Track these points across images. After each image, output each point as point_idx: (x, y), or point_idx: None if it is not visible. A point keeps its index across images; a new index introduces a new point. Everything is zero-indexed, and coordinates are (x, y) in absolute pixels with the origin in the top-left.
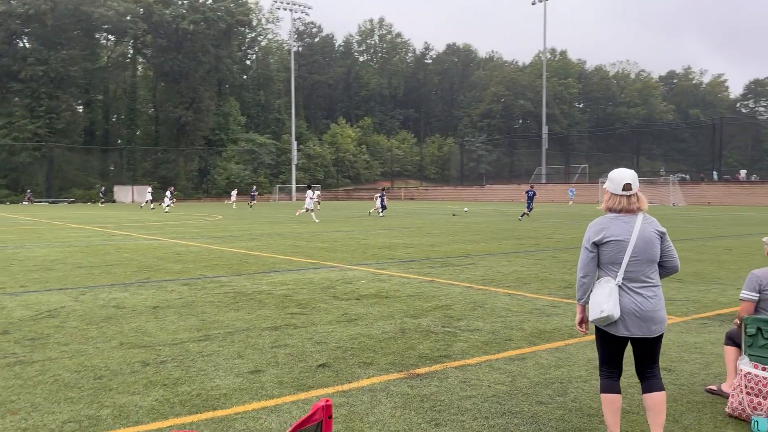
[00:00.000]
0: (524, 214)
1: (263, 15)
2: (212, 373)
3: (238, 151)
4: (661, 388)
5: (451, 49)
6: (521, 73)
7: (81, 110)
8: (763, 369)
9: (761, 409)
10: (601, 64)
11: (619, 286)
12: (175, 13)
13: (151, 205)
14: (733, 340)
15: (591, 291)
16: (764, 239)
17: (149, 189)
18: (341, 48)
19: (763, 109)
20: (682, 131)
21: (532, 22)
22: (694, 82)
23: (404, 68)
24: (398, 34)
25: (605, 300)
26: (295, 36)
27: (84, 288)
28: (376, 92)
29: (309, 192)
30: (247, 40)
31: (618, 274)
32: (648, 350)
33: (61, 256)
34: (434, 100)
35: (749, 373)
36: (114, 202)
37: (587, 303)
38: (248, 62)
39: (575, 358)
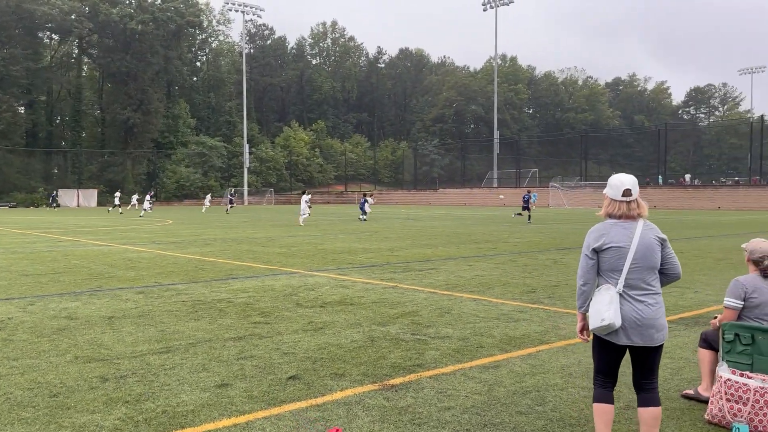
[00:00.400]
0: (518, 214)
1: (214, 16)
2: (177, 388)
3: (188, 154)
4: (657, 404)
5: (404, 53)
6: (473, 79)
7: (23, 111)
8: (742, 375)
9: (742, 416)
10: (550, 70)
11: (620, 294)
12: (122, 12)
13: (120, 210)
14: (708, 342)
15: (591, 299)
16: (743, 245)
17: (117, 193)
18: (294, 51)
19: (703, 115)
20: (627, 137)
21: (484, 29)
22: (638, 88)
23: (357, 72)
24: (351, 38)
25: (606, 308)
26: (247, 38)
27: (32, 297)
28: (329, 96)
29: (304, 197)
30: (197, 41)
31: (618, 281)
32: (648, 360)
33: (4, 264)
34: (387, 105)
35: (729, 379)
36: (59, 206)
37: (587, 311)
38: (198, 64)
39: (549, 366)
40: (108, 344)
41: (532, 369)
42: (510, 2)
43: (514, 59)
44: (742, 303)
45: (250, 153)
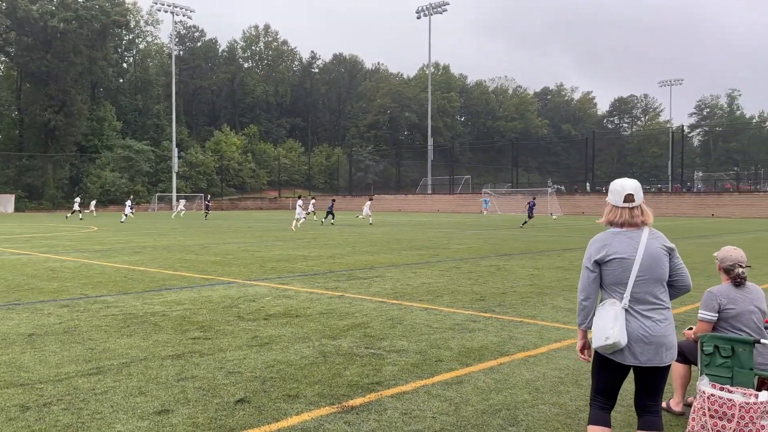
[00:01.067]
0: (525, 222)
1: (141, 16)
2: (110, 416)
3: (114, 158)
4: (659, 428)
5: (338, 59)
6: (407, 86)
7: None
8: (723, 389)
9: None
10: (482, 79)
11: (626, 309)
12: (43, 9)
13: (80, 215)
14: (682, 354)
15: (593, 314)
16: (715, 254)
17: (77, 198)
18: (225, 54)
19: (626, 125)
20: (555, 145)
21: (417, 36)
22: (566, 98)
23: (291, 76)
24: (284, 42)
25: (611, 325)
26: (176, 39)
27: None
28: (261, 100)
29: (300, 202)
30: (124, 42)
31: (624, 295)
32: (654, 380)
33: None
34: (321, 110)
35: (713, 395)
36: None
37: (589, 328)
38: (125, 65)
39: (513, 380)
40: (29, 366)
41: (496, 384)
42: (443, 11)
43: (446, 67)
44: (717, 315)
45: (179, 157)
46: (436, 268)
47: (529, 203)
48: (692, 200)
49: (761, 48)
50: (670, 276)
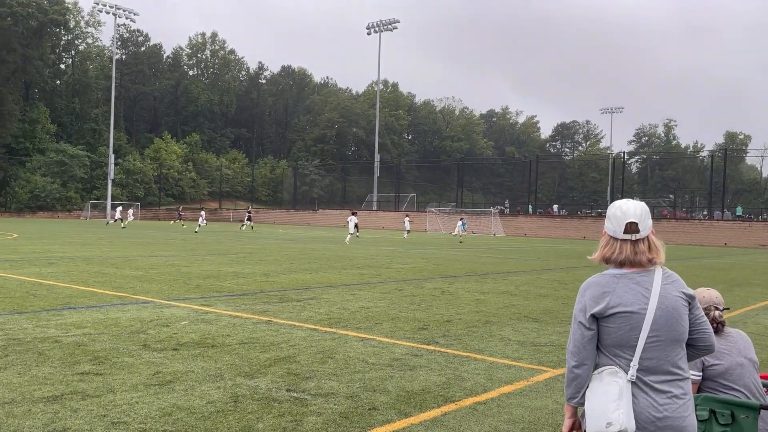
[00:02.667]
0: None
1: (82, 17)
2: None
3: (46, 162)
4: None
5: (286, 71)
6: (355, 102)
7: None
8: None
9: None
10: (429, 98)
11: (633, 382)
12: None
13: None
14: None
15: (588, 387)
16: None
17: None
18: (169, 60)
19: (568, 150)
20: (499, 166)
21: (367, 53)
22: (510, 121)
23: (237, 86)
24: (231, 51)
25: (614, 405)
26: (119, 43)
27: None
28: (206, 108)
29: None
30: (62, 42)
31: (630, 363)
32: None
33: None
34: (268, 121)
35: None
36: None
37: (581, 404)
38: (63, 66)
39: None
40: None
41: None
42: (393, 28)
43: (395, 85)
44: (701, 374)
45: (116, 164)
46: (376, 289)
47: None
48: None
49: (695, 81)
50: (690, 333)
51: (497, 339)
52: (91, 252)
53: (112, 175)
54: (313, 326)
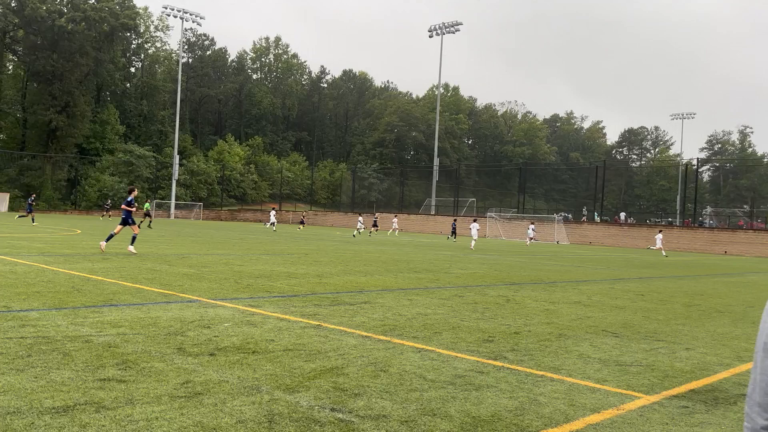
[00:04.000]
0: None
1: (152, 21)
2: None
3: (114, 162)
4: None
5: (348, 75)
6: (415, 106)
7: None
8: None
9: None
10: (491, 102)
11: None
12: (52, 8)
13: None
14: None
15: None
16: None
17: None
18: (234, 63)
19: (635, 156)
20: (562, 173)
21: (428, 56)
22: (575, 126)
23: (299, 90)
24: (294, 55)
25: None
26: (186, 46)
27: None
28: (268, 111)
29: (394, 219)
30: (132, 46)
31: None
32: None
33: None
34: (328, 125)
35: None
36: None
37: None
38: (133, 70)
39: None
40: None
41: None
42: (456, 30)
43: (456, 89)
44: None
45: (181, 165)
46: (435, 295)
47: (452, 224)
48: (705, 236)
49: None
50: None
51: (574, 356)
52: (147, 249)
53: (176, 176)
54: (365, 333)
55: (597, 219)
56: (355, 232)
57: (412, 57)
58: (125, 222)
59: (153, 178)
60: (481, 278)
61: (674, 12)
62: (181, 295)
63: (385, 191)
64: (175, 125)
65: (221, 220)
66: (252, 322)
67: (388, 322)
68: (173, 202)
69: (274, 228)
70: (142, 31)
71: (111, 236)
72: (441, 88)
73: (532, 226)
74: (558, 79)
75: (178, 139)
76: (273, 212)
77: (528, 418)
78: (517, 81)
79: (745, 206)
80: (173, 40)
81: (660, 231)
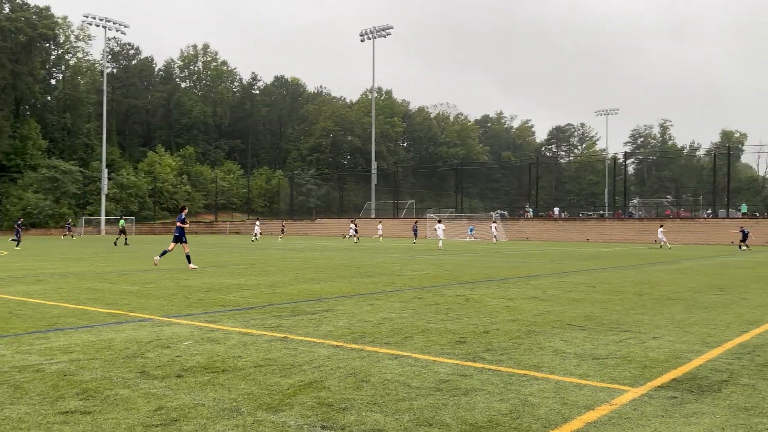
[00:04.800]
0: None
1: (72, 31)
2: None
3: (38, 178)
4: None
5: (280, 81)
6: (349, 110)
7: None
8: None
9: None
10: (424, 105)
11: None
12: None
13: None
14: None
15: None
16: None
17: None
18: (161, 72)
19: (563, 153)
20: (495, 171)
21: (360, 61)
22: (505, 126)
23: (230, 97)
24: (224, 62)
25: None
26: (109, 56)
27: None
28: (199, 120)
29: (379, 225)
30: (52, 57)
31: None
32: None
33: None
34: (262, 132)
35: None
36: None
37: None
38: (54, 82)
39: None
40: None
41: None
42: (387, 34)
43: (389, 92)
44: None
45: (110, 178)
46: (394, 298)
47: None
48: (635, 226)
49: (686, 80)
50: None
51: (549, 352)
52: (83, 267)
53: (105, 190)
54: (335, 342)
55: (531, 215)
56: (348, 236)
57: (344, 62)
58: (178, 240)
59: (81, 194)
60: (435, 279)
61: (593, 11)
62: (130, 314)
63: (324, 197)
64: (101, 138)
65: (155, 234)
66: (214, 339)
67: (356, 330)
68: (103, 217)
69: (254, 239)
70: (62, 41)
71: (165, 252)
72: (375, 92)
73: (472, 227)
74: (487, 80)
75: (106, 152)
76: (258, 223)
77: (525, 421)
78: (447, 83)
79: (668, 196)
80: (96, 50)
81: (661, 226)
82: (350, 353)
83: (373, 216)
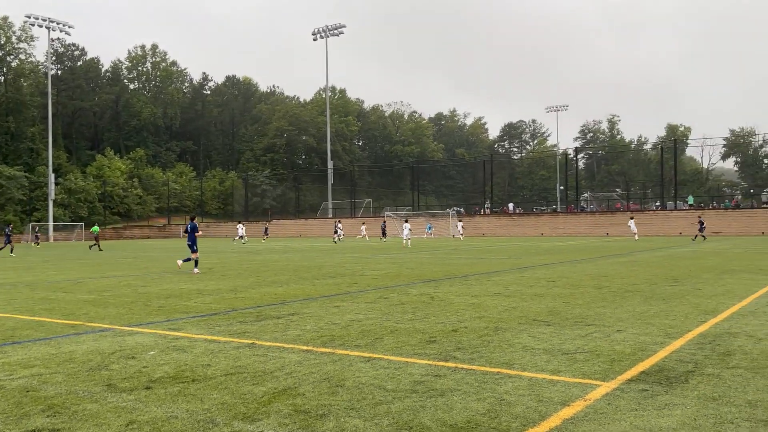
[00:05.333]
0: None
1: (14, 32)
2: None
3: None
4: None
5: (231, 81)
6: (303, 109)
7: None
8: None
9: None
10: (378, 104)
11: None
12: None
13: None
14: None
15: None
16: None
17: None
18: (108, 74)
19: (516, 149)
20: (450, 169)
21: (313, 60)
22: (459, 123)
23: (181, 98)
24: (173, 63)
25: None
26: (54, 58)
27: None
28: (149, 122)
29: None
30: None
31: None
32: None
33: None
34: (214, 133)
35: None
36: None
37: None
38: None
39: None
40: None
41: None
42: (340, 33)
43: (343, 91)
44: None
45: (57, 183)
46: (360, 299)
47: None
48: (587, 220)
49: (632, 75)
50: None
51: (519, 348)
52: (33, 276)
53: (53, 196)
54: (305, 347)
55: (487, 211)
56: (336, 239)
57: (297, 61)
58: (192, 247)
59: (27, 200)
60: (397, 278)
61: (539, 11)
62: (89, 324)
63: (279, 197)
64: (47, 142)
65: (105, 239)
66: (179, 347)
67: (324, 333)
68: (51, 224)
69: (244, 241)
70: (2, 42)
71: (189, 260)
72: (329, 91)
73: (430, 225)
74: (440, 78)
75: (52, 156)
76: (241, 226)
77: (504, 420)
78: (401, 81)
79: (618, 189)
80: (39, 52)
81: (632, 217)
82: (321, 357)
83: (330, 216)
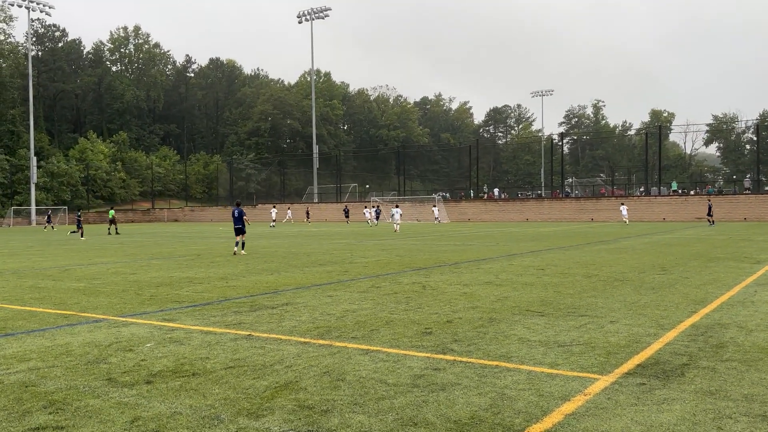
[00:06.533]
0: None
1: None
2: None
3: None
4: None
5: (215, 63)
6: (288, 93)
7: None
8: None
9: None
10: (363, 87)
11: None
12: None
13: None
14: None
15: None
16: None
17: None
18: (90, 55)
19: (501, 134)
20: (435, 153)
21: (297, 43)
22: (444, 108)
23: (164, 81)
24: (156, 45)
25: None
26: (34, 39)
27: None
28: (132, 105)
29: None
30: None
31: None
32: None
33: None
34: (198, 116)
35: None
36: None
37: None
38: None
39: None
40: None
41: None
42: (325, 16)
43: (328, 75)
44: None
45: (39, 167)
46: (352, 288)
47: (375, 209)
48: (572, 205)
49: (616, 60)
50: None
51: (515, 340)
52: (21, 263)
53: (35, 179)
54: (302, 339)
55: (472, 196)
56: (371, 223)
57: (282, 43)
58: (240, 231)
59: (8, 183)
60: (387, 265)
61: None
62: (82, 314)
63: (264, 181)
64: (28, 124)
65: (89, 223)
66: (176, 339)
67: (320, 324)
68: (33, 207)
69: (272, 225)
70: None
71: (238, 243)
72: (314, 75)
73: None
74: (425, 62)
75: (34, 139)
76: (274, 210)
77: (507, 415)
78: (386, 66)
79: (602, 175)
80: (19, 32)
81: (623, 203)
82: (320, 350)
83: (315, 201)
